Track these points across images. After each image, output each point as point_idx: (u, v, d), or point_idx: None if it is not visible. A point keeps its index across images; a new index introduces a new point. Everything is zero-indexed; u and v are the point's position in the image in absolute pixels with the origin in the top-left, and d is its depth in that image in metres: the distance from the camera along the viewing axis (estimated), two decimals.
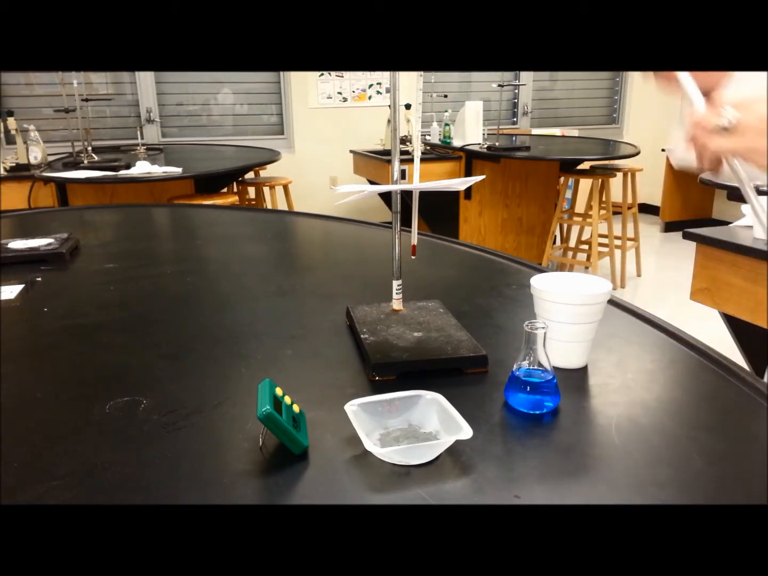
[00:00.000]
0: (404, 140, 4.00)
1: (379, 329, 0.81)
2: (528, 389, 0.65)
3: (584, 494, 0.53)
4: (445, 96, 4.41)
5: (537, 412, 0.65)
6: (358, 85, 5.09)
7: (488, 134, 3.99)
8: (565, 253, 4.27)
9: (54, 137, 4.27)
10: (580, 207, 4.38)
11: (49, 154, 3.55)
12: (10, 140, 3.65)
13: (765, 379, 0.75)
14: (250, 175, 4.19)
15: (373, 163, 4.18)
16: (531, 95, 5.58)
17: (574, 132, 4.91)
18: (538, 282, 0.74)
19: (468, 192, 3.83)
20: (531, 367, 0.66)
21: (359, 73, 5.03)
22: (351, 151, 4.56)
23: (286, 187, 4.23)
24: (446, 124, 4.24)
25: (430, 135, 4.35)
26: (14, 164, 3.37)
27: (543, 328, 0.65)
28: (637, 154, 3.62)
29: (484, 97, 4.80)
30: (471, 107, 4.02)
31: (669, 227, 5.06)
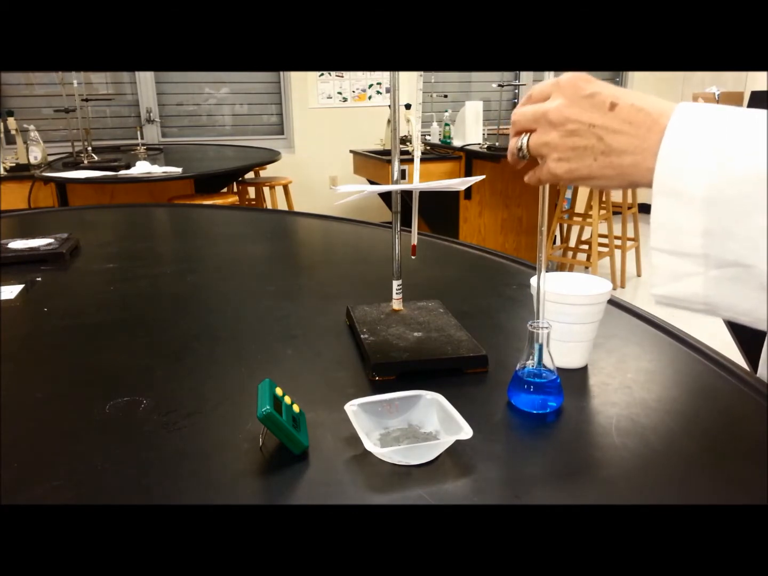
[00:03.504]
0: (404, 140, 4.01)
1: (379, 329, 0.81)
2: (531, 389, 0.65)
3: (584, 494, 0.53)
4: (445, 96, 4.41)
5: (540, 412, 0.65)
6: (358, 85, 5.10)
7: (488, 134, 4.00)
8: (565, 253, 4.27)
9: (54, 137, 4.27)
10: (580, 207, 4.38)
11: (49, 154, 3.56)
12: (10, 140, 3.65)
13: (758, 374, 0.75)
14: (250, 175, 4.19)
15: (373, 163, 4.18)
16: None
17: None
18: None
19: (468, 192, 3.83)
20: (534, 367, 0.66)
21: (359, 73, 5.03)
22: (351, 151, 4.56)
23: (286, 187, 4.24)
24: (446, 124, 4.24)
25: (430, 135, 4.35)
26: (14, 164, 3.37)
27: (546, 328, 0.65)
28: None
29: (484, 97, 4.81)
30: (471, 107, 4.03)
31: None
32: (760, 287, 0.42)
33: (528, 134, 0.52)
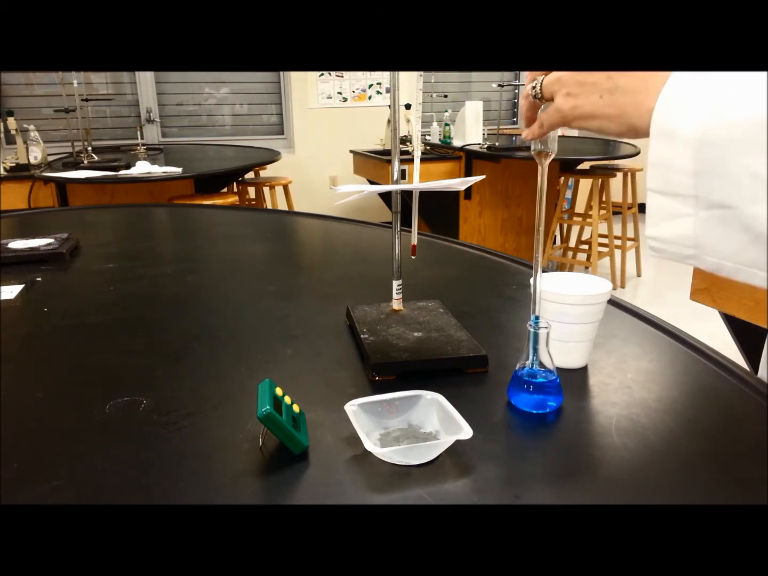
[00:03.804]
0: (404, 140, 4.01)
1: (379, 329, 0.81)
2: (531, 389, 0.65)
3: (584, 494, 0.53)
4: (445, 96, 4.41)
5: (540, 412, 0.65)
6: (358, 85, 5.10)
7: (488, 134, 4.00)
8: (565, 253, 4.27)
9: (54, 137, 4.27)
10: (580, 207, 4.38)
11: (49, 154, 3.55)
12: (10, 140, 3.65)
13: (758, 374, 0.75)
14: (250, 175, 4.19)
15: (373, 163, 4.18)
16: None
17: (574, 132, 4.91)
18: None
19: (468, 192, 3.83)
20: (534, 367, 0.66)
21: (359, 73, 5.03)
22: (351, 151, 4.56)
23: (286, 187, 4.24)
24: (446, 124, 4.24)
25: (430, 135, 4.35)
26: (14, 164, 3.37)
27: (546, 327, 0.65)
28: (637, 153, 3.62)
29: (484, 97, 4.81)
30: (471, 107, 4.03)
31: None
32: (743, 229, 0.43)
33: (543, 76, 0.55)
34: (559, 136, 0.59)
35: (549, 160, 0.60)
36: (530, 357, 0.66)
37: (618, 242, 3.91)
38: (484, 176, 0.88)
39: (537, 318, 0.65)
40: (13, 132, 3.47)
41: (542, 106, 0.57)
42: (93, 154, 3.40)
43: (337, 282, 1.16)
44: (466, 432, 0.56)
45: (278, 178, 4.26)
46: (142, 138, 4.01)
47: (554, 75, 0.53)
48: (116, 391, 0.71)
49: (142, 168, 3.03)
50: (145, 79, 4.63)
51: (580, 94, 0.51)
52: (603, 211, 3.74)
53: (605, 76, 0.49)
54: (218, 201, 3.20)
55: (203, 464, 0.58)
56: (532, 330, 0.65)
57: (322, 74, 4.93)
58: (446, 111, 4.37)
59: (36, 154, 3.38)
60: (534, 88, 0.56)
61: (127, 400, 0.69)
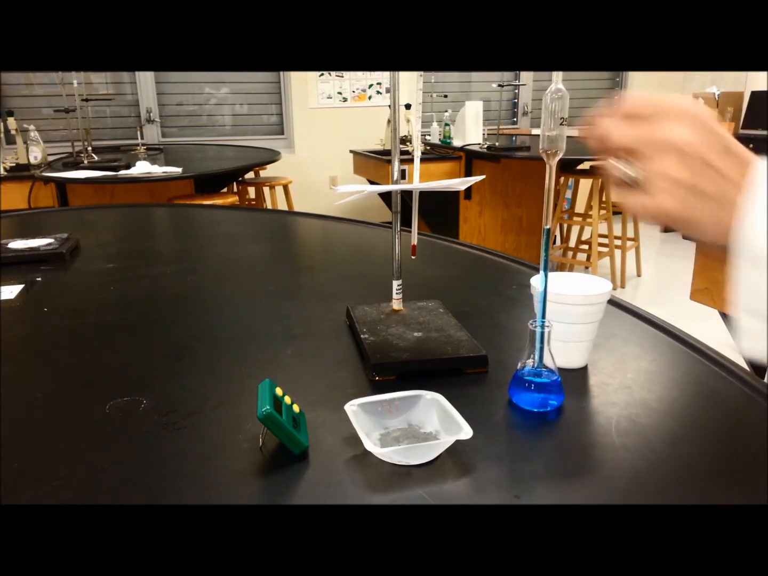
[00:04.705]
0: (404, 140, 4.01)
1: (379, 329, 0.81)
2: (532, 388, 0.66)
3: (584, 494, 0.53)
4: (445, 96, 4.41)
5: (541, 410, 0.65)
6: (358, 85, 5.10)
7: (488, 134, 4.00)
8: (565, 253, 4.27)
9: (54, 137, 4.27)
10: (580, 207, 4.38)
11: (49, 154, 3.56)
12: (10, 140, 3.65)
13: (766, 379, 0.75)
14: (250, 175, 4.19)
15: (373, 163, 4.18)
16: (531, 95, 5.58)
17: (574, 132, 4.91)
18: (539, 282, 0.74)
19: (468, 192, 3.83)
20: (535, 366, 0.66)
21: (359, 73, 5.03)
22: (351, 151, 4.56)
23: (286, 187, 4.24)
24: (446, 124, 4.24)
25: (430, 135, 4.36)
26: (14, 164, 3.37)
27: (548, 327, 0.65)
28: None
29: (484, 97, 4.81)
30: (471, 107, 4.03)
31: (669, 227, 5.05)
32: None
33: (633, 159, 0.47)
34: None
35: (557, 158, 0.59)
36: (532, 356, 0.66)
37: (618, 242, 3.91)
38: (484, 176, 0.88)
39: (541, 317, 0.65)
40: (13, 132, 3.47)
41: (632, 175, 0.47)
42: (93, 154, 3.40)
43: (337, 282, 1.16)
44: (466, 432, 0.56)
45: (278, 178, 4.26)
46: (142, 138, 4.01)
47: (668, 174, 0.45)
48: (116, 391, 0.71)
49: (142, 168, 3.03)
50: (145, 79, 4.63)
51: (686, 198, 0.45)
52: (603, 211, 3.74)
53: (716, 184, 0.44)
54: (218, 201, 3.20)
55: (203, 464, 0.58)
56: (538, 330, 0.65)
57: (322, 74, 4.93)
58: (446, 111, 4.37)
59: (36, 154, 3.38)
60: (629, 171, 0.47)
61: (127, 400, 0.69)
